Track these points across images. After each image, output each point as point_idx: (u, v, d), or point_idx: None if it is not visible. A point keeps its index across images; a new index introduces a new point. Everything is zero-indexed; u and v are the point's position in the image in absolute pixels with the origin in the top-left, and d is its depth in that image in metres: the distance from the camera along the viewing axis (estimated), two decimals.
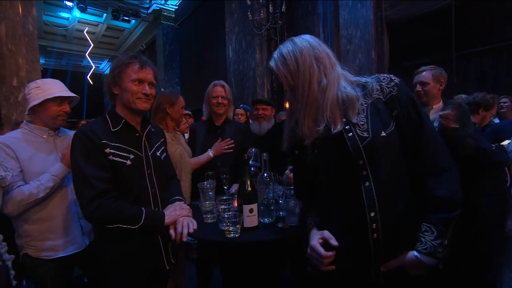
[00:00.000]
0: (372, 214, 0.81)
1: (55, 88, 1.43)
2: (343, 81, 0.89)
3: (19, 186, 1.30)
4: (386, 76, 0.88)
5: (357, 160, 0.82)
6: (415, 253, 0.81)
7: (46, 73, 10.80)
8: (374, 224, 0.81)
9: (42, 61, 11.26)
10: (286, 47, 0.90)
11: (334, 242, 0.85)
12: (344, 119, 0.85)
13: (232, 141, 1.96)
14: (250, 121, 2.39)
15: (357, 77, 0.93)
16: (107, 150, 1.08)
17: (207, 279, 2.14)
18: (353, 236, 0.85)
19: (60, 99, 1.42)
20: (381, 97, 0.85)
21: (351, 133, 0.83)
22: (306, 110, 0.87)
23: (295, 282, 2.07)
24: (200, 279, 2.14)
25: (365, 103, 0.86)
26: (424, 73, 1.86)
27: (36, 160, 1.36)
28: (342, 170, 0.85)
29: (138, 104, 1.14)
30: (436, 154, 0.83)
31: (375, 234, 0.82)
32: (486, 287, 1.94)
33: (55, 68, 11.57)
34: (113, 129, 1.13)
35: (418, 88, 1.84)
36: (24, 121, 1.46)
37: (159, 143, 1.30)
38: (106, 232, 1.13)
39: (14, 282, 1.14)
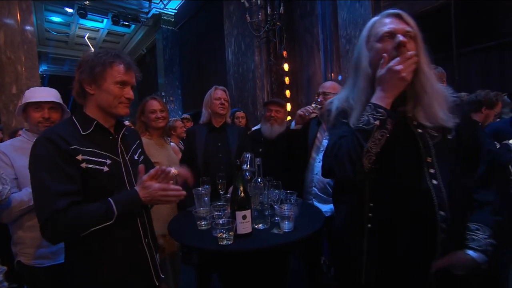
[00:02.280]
0: (442, 213, 0.80)
1: (35, 94, 1.39)
2: None
3: (12, 193, 1.29)
4: (448, 87, 0.93)
5: (425, 157, 0.83)
6: (470, 251, 0.81)
7: (48, 80, 10.94)
8: (444, 224, 0.80)
9: (44, 67, 11.39)
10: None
11: None
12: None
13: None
14: (261, 122, 2.36)
15: None
16: (79, 157, 0.94)
17: (207, 283, 2.12)
18: (413, 234, 0.84)
19: (35, 105, 1.38)
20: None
21: (420, 130, 0.84)
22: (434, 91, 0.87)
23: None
24: (200, 283, 2.12)
25: None
26: None
27: None
28: (408, 163, 0.85)
29: (120, 109, 1.04)
30: (489, 171, 0.89)
31: (443, 234, 0.81)
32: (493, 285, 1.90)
33: (58, 75, 11.70)
34: (83, 132, 1.00)
35: None
36: (24, 129, 1.47)
37: (135, 145, 1.19)
38: (80, 252, 0.98)
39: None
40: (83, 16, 7.59)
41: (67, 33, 9.48)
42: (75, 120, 1.02)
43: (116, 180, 1.03)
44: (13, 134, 2.54)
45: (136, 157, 1.15)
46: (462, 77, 3.55)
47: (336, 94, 1.82)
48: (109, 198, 0.95)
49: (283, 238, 1.16)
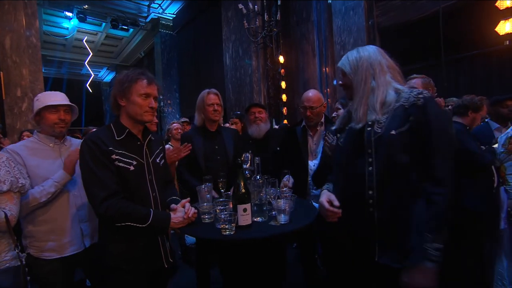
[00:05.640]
0: (370, 192, 1.04)
1: (51, 98, 1.50)
2: (389, 88, 1.07)
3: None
4: (420, 90, 1.05)
5: (367, 149, 1.05)
6: (428, 263, 0.94)
7: (47, 82, 10.92)
8: (371, 200, 1.04)
9: (42, 70, 11.39)
10: (352, 54, 1.15)
11: (336, 202, 1.13)
12: (369, 118, 1.07)
13: (190, 145, 2.00)
14: (248, 127, 2.45)
15: (400, 86, 1.09)
16: (113, 156, 1.18)
17: (206, 282, 2.19)
18: (354, 206, 1.09)
19: (53, 108, 1.48)
20: (405, 104, 1.02)
21: (369, 128, 1.06)
22: (361, 101, 1.09)
23: (306, 280, 2.13)
24: (199, 281, 2.19)
25: (393, 106, 1.05)
26: (414, 80, 1.91)
27: (42, 166, 1.44)
28: (356, 154, 1.09)
29: (145, 117, 1.25)
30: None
31: (370, 208, 1.05)
32: (480, 285, 1.99)
33: (55, 77, 11.69)
34: (117, 137, 1.23)
35: None
36: (35, 131, 1.55)
37: (158, 150, 1.40)
38: (110, 234, 1.22)
39: (28, 277, 1.22)
40: (83, 20, 7.69)
41: (66, 36, 9.54)
42: (112, 127, 1.26)
43: (139, 178, 1.26)
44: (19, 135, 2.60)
45: (158, 160, 1.37)
46: (452, 83, 3.73)
47: (321, 106, 1.93)
48: (151, 209, 1.21)
49: (279, 229, 1.27)
